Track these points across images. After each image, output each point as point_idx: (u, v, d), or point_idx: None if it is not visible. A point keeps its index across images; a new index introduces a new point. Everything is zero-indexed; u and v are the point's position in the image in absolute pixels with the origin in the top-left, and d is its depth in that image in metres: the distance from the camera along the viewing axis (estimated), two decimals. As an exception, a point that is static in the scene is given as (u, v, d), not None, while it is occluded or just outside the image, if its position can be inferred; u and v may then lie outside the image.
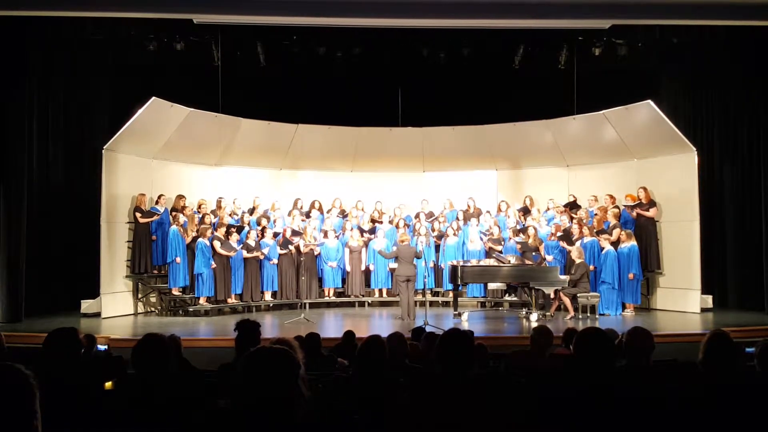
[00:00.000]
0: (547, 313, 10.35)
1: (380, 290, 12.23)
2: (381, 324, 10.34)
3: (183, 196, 11.27)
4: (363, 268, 12.14)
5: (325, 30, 10.84)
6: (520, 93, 12.25)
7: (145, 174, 11.26)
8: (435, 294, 12.18)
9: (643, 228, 11.01)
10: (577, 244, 10.72)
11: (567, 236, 11.02)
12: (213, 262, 10.69)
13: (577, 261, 10.28)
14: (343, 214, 12.79)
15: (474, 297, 12.04)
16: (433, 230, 12.32)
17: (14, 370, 1.71)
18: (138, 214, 10.72)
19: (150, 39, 10.72)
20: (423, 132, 12.80)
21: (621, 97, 11.23)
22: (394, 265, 10.65)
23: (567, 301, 10.17)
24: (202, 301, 10.77)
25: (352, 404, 3.26)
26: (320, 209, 12.73)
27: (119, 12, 9.33)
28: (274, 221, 11.98)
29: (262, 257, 11.28)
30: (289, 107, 12.35)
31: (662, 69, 12.16)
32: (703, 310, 10.51)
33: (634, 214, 11.07)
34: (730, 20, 9.36)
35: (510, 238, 11.62)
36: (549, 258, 10.95)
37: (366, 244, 12.16)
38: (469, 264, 10.68)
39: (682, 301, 10.67)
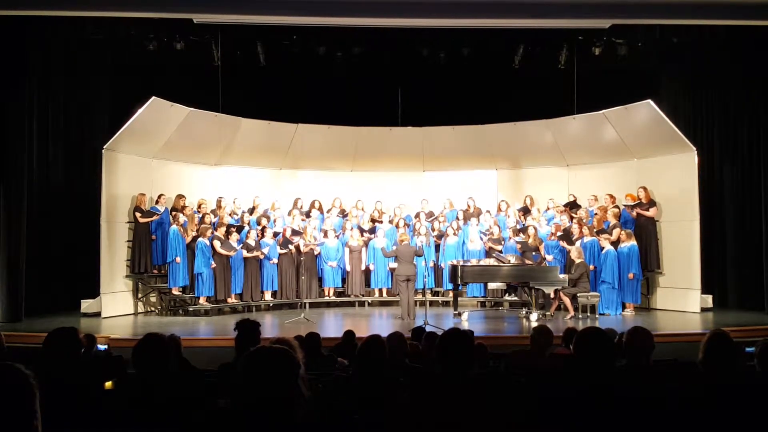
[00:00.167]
0: (547, 313, 10.35)
1: (380, 290, 12.23)
2: (381, 324, 10.34)
3: (183, 196, 11.27)
4: (363, 267, 12.15)
5: (325, 30, 10.84)
6: (520, 93, 12.26)
7: (145, 174, 11.26)
8: (435, 294, 12.18)
9: (643, 228, 11.01)
10: (577, 243, 10.72)
11: (567, 236, 11.02)
12: (213, 262, 10.69)
13: (577, 261, 10.28)
14: (343, 214, 12.79)
15: (474, 297, 12.04)
16: (433, 230, 12.32)
17: (14, 370, 1.71)
18: (138, 214, 10.72)
19: (150, 39, 10.72)
20: (423, 132, 12.80)
21: (621, 97, 11.23)
22: (394, 264, 10.65)
23: (567, 300, 10.17)
24: (202, 300, 10.77)
25: (352, 404, 3.26)
26: (320, 209, 12.73)
27: (119, 12, 9.33)
28: (274, 221, 11.98)
29: (262, 257, 11.28)
30: (289, 107, 12.35)
31: (662, 69, 12.17)
32: (703, 309, 10.52)
33: (634, 213, 11.07)
34: (730, 20, 9.36)
35: (510, 238, 11.63)
36: (549, 258, 10.95)
37: (366, 244, 12.16)
38: (469, 264, 10.68)
39: (682, 301, 10.67)
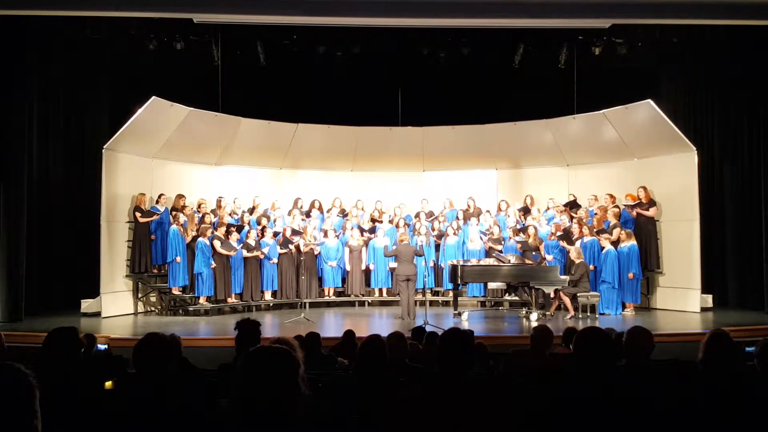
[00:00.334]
0: (547, 313, 10.36)
1: (380, 290, 12.23)
2: (381, 323, 10.34)
3: (183, 196, 11.27)
4: (363, 267, 12.15)
5: (325, 30, 10.84)
6: (520, 93, 12.26)
7: (145, 173, 11.26)
8: (435, 293, 12.18)
9: (643, 227, 11.01)
10: (577, 243, 10.72)
11: (567, 236, 11.02)
12: (213, 262, 10.69)
13: (577, 261, 10.28)
14: (343, 214, 12.79)
15: (474, 296, 12.04)
16: (433, 230, 12.32)
17: (14, 370, 1.71)
18: (138, 214, 10.72)
19: (150, 39, 10.71)
20: (423, 131, 12.80)
21: (621, 96, 11.22)
22: (394, 264, 10.65)
23: (567, 300, 10.17)
24: (202, 300, 10.77)
25: (352, 404, 3.26)
26: (320, 209, 12.73)
27: (119, 12, 9.32)
28: (274, 221, 11.98)
29: (262, 257, 11.28)
30: (289, 107, 12.35)
31: (662, 69, 12.16)
32: (703, 309, 10.52)
33: (634, 213, 11.07)
34: (730, 20, 9.35)
35: (510, 238, 11.63)
36: (549, 257, 10.95)
37: (366, 244, 12.16)
38: (469, 263, 10.68)
39: (682, 301, 10.67)
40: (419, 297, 11.07)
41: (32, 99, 10.50)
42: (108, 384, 3.38)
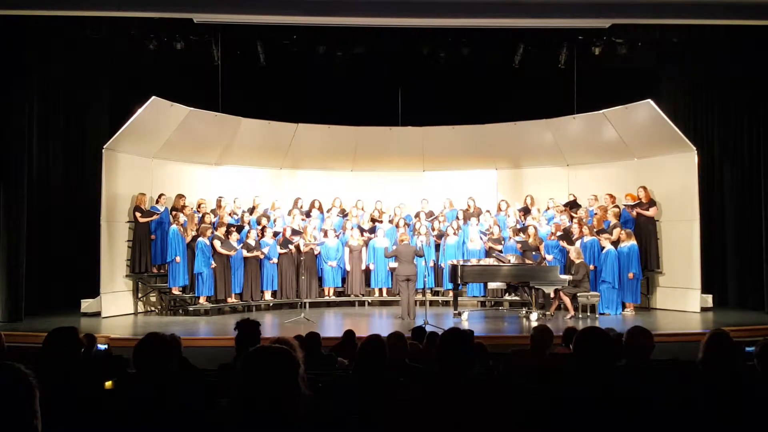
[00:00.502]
0: (547, 313, 10.36)
1: (380, 290, 12.23)
2: (381, 323, 10.34)
3: (183, 196, 11.27)
4: (363, 267, 12.15)
5: (325, 30, 10.83)
6: (520, 93, 12.26)
7: (145, 173, 11.26)
8: (435, 293, 12.18)
9: (643, 227, 11.01)
10: (577, 243, 10.72)
11: (567, 236, 11.02)
12: (213, 262, 10.69)
13: (577, 261, 10.28)
14: (343, 214, 12.79)
15: (474, 296, 12.04)
16: (433, 230, 12.32)
17: (14, 370, 1.71)
18: (138, 214, 10.72)
19: (150, 39, 10.71)
20: (423, 131, 12.80)
21: (621, 96, 11.22)
22: (394, 264, 10.65)
23: (567, 300, 10.17)
24: (202, 300, 10.77)
25: (352, 404, 3.26)
26: (320, 209, 12.73)
27: (119, 12, 9.32)
28: (274, 221, 11.98)
29: (262, 257, 11.28)
30: (289, 107, 12.35)
31: (662, 69, 12.16)
32: (703, 309, 10.52)
33: (634, 213, 11.07)
34: (730, 20, 9.35)
35: (510, 238, 11.63)
36: (549, 257, 10.95)
37: (366, 244, 12.16)
38: (469, 263, 10.68)
39: (682, 301, 10.67)
40: (419, 297, 11.07)
41: (32, 99, 10.50)
42: (108, 384, 3.38)
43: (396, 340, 4.12)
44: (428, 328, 6.91)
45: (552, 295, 10.41)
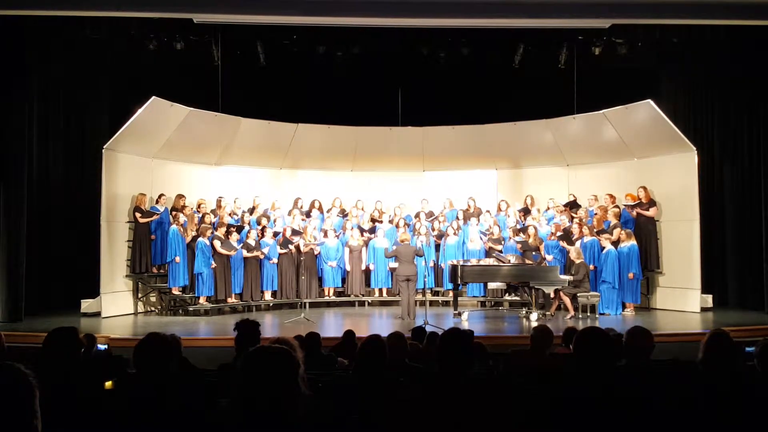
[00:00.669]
0: (547, 313, 10.36)
1: (380, 290, 12.23)
2: (381, 323, 10.34)
3: (183, 196, 11.27)
4: (363, 267, 12.15)
5: (325, 30, 10.83)
6: (520, 93, 12.26)
7: (145, 173, 11.26)
8: (435, 293, 12.18)
9: (643, 227, 11.01)
10: (577, 243, 10.72)
11: (567, 236, 11.02)
12: (213, 262, 10.69)
13: (577, 261, 10.28)
14: (343, 214, 12.79)
15: (474, 296, 12.04)
16: (433, 230, 12.32)
17: (14, 370, 1.71)
18: (138, 214, 10.72)
19: (150, 39, 10.71)
20: (423, 131, 12.80)
21: (621, 96, 11.22)
22: (394, 264, 10.65)
23: (567, 300, 10.17)
24: (202, 300, 10.77)
25: (352, 404, 3.26)
26: (320, 209, 12.73)
27: (119, 12, 9.32)
28: (274, 221, 11.98)
29: (262, 257, 11.28)
30: (289, 107, 12.35)
31: (662, 69, 12.16)
32: (703, 309, 10.52)
33: (634, 213, 11.08)
34: (730, 20, 9.35)
35: (510, 238, 11.63)
36: (549, 257, 10.95)
37: (366, 244, 12.16)
38: (469, 263, 10.68)
39: (682, 301, 10.67)
40: (419, 297, 11.06)
41: (32, 99, 10.49)
42: (108, 384, 3.38)
43: (396, 340, 4.12)
44: (428, 328, 6.91)
45: (552, 296, 10.41)
